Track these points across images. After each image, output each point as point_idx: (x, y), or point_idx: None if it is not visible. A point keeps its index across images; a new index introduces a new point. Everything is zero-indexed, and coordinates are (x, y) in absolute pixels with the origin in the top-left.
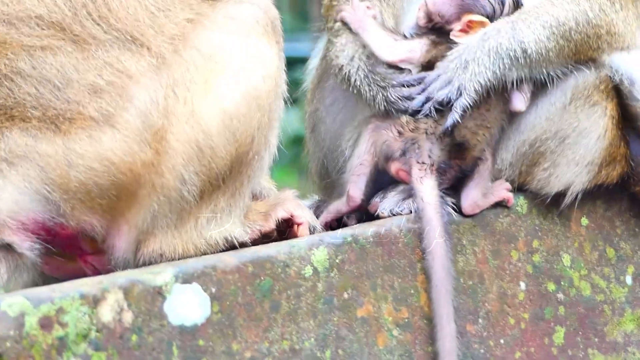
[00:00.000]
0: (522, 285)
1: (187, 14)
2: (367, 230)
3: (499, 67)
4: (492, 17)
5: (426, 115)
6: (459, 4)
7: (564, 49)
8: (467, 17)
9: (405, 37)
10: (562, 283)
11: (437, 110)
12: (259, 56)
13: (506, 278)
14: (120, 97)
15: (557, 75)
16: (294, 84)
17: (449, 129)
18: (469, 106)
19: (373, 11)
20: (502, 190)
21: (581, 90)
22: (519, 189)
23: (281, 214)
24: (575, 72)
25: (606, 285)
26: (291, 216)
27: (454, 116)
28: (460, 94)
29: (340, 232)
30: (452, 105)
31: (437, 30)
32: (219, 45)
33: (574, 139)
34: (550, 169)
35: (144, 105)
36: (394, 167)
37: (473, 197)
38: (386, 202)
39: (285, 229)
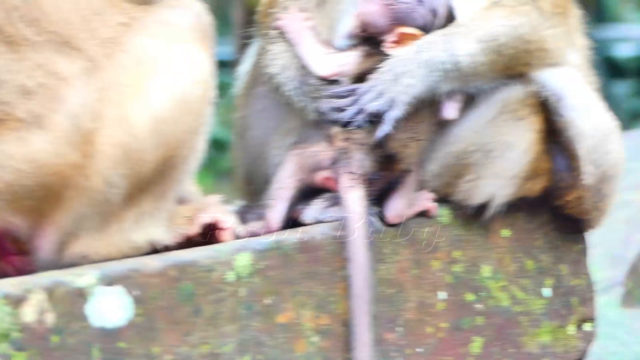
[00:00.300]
0: (442, 294)
1: (120, 18)
2: (291, 237)
3: (431, 80)
4: (424, 29)
5: (358, 127)
6: (392, 16)
7: (496, 64)
8: (399, 29)
9: (338, 49)
10: (481, 293)
11: (368, 122)
12: (190, 61)
13: (426, 287)
14: (51, 99)
15: (487, 89)
16: None
17: (380, 140)
18: (400, 118)
19: (310, 22)
20: (425, 201)
21: (509, 104)
22: (443, 199)
23: (206, 218)
24: (504, 86)
25: (524, 297)
26: (216, 221)
27: (385, 128)
28: (392, 106)
29: (264, 238)
30: (384, 117)
31: (370, 41)
32: (151, 49)
33: (500, 152)
34: (475, 181)
35: (74, 108)
36: (321, 176)
37: (398, 207)
38: (310, 210)
39: (210, 234)
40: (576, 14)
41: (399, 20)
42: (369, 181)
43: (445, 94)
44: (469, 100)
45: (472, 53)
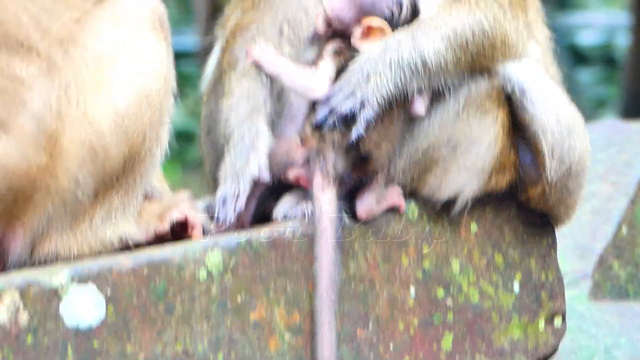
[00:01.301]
0: (412, 290)
1: (72, 13)
2: (261, 234)
3: (401, 79)
4: (391, 21)
5: (330, 128)
6: (358, 8)
7: (461, 60)
8: (366, 22)
9: (316, 63)
10: (451, 289)
11: (341, 122)
12: (148, 54)
13: (396, 283)
14: (13, 102)
15: (453, 84)
16: (179, 78)
17: (354, 142)
18: (372, 118)
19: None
20: (394, 196)
21: (474, 98)
22: (411, 195)
23: (175, 215)
24: (469, 81)
25: (494, 292)
26: (185, 218)
27: (358, 129)
28: (364, 107)
29: (234, 236)
30: (356, 118)
31: (338, 37)
32: (107, 44)
33: (466, 147)
34: (442, 176)
35: (37, 110)
36: (294, 174)
37: (368, 203)
38: (280, 207)
39: (180, 231)
40: (536, 4)
41: (365, 11)
42: (340, 181)
43: (414, 92)
44: (435, 96)
45: (440, 51)
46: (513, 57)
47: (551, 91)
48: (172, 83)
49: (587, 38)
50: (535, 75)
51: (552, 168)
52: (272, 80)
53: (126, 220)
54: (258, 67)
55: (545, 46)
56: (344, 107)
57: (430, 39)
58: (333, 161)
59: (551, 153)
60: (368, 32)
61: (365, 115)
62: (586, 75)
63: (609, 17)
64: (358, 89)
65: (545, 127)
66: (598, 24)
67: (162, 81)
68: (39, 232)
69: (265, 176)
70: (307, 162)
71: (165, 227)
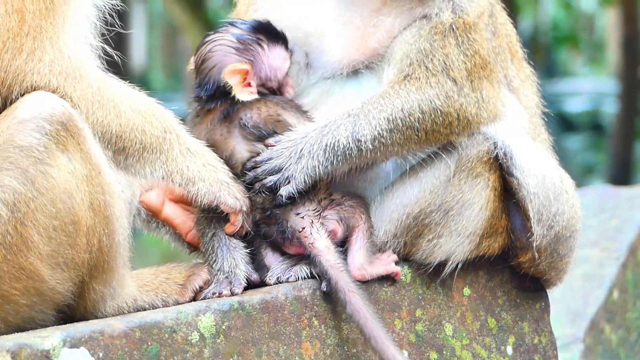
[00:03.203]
0: (405, 353)
1: None
2: (253, 297)
3: (332, 163)
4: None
5: (255, 193)
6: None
7: (412, 138)
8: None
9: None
10: (444, 352)
11: (265, 191)
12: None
13: None
14: None
15: (427, 155)
16: None
17: (271, 213)
18: (294, 194)
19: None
20: (390, 264)
21: (465, 163)
22: (403, 259)
23: (198, 283)
24: (458, 146)
25: (487, 355)
26: (205, 283)
27: (279, 200)
28: (288, 182)
29: (226, 299)
30: (279, 190)
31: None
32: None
33: (457, 211)
34: (434, 240)
35: None
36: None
37: (359, 260)
38: (273, 271)
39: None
40: (525, 72)
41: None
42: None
43: (344, 172)
44: (425, 161)
45: (381, 134)
46: (488, 122)
47: (537, 156)
48: (99, 185)
49: (575, 105)
50: (521, 140)
51: (539, 234)
52: None
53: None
54: None
55: (533, 112)
56: (269, 180)
57: (373, 123)
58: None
59: (539, 218)
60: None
61: (288, 190)
62: (574, 142)
63: (597, 85)
64: (287, 166)
65: (530, 192)
66: (585, 91)
67: (84, 198)
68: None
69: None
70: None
71: (187, 297)
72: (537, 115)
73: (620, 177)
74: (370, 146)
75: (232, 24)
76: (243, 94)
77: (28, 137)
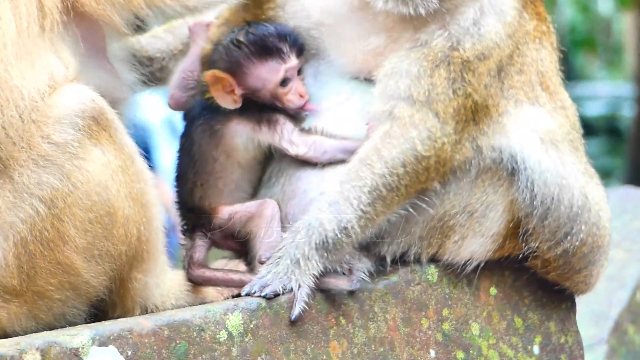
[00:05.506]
0: (432, 353)
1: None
2: (281, 296)
3: (328, 258)
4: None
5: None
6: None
7: (393, 200)
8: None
9: None
10: (470, 352)
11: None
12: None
13: (416, 346)
14: None
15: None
16: None
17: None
18: (310, 293)
19: None
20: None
21: (488, 165)
22: (430, 260)
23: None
24: (482, 149)
25: (514, 355)
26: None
27: (300, 305)
28: (300, 287)
29: (254, 298)
30: (295, 295)
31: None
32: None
33: (482, 212)
34: (459, 242)
35: None
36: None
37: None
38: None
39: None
40: (556, 103)
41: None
42: None
43: (347, 253)
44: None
45: (363, 212)
46: (448, 169)
47: (559, 169)
48: (134, 174)
49: (592, 109)
50: (539, 159)
51: (545, 247)
52: None
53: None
54: None
55: (568, 117)
56: (279, 287)
57: (355, 204)
58: None
59: (546, 234)
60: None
61: (305, 292)
62: (592, 146)
63: (614, 89)
64: (292, 275)
65: (539, 210)
66: (602, 94)
67: (116, 188)
68: None
69: None
70: None
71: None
72: (571, 120)
73: (638, 181)
74: (357, 228)
75: (235, 30)
76: (225, 102)
77: (63, 134)
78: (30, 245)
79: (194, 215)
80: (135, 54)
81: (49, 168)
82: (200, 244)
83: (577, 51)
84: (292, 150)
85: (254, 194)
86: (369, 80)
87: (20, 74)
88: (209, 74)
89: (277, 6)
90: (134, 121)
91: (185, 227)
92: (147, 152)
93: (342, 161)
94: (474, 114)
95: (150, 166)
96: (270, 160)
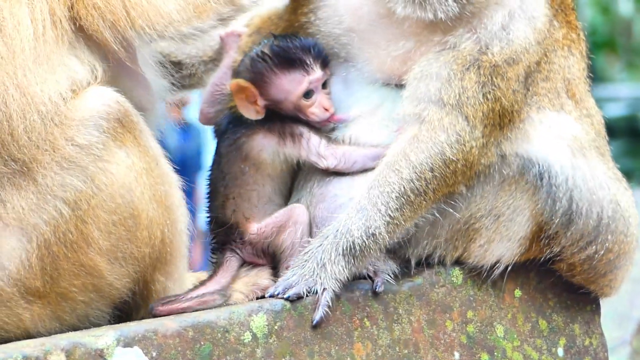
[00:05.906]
0: (457, 355)
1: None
2: (305, 298)
3: (355, 264)
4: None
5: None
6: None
7: (421, 205)
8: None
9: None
10: (495, 354)
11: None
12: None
13: (441, 347)
14: None
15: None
16: None
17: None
18: (334, 298)
19: None
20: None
21: (516, 170)
22: (455, 262)
23: (259, 293)
24: (506, 154)
25: (538, 357)
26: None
27: (323, 310)
28: (325, 290)
29: (279, 300)
30: (318, 298)
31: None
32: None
33: (508, 216)
34: (485, 245)
35: None
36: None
37: None
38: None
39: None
40: (583, 86)
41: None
42: None
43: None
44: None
45: (391, 218)
46: (473, 173)
47: (585, 183)
48: (159, 176)
49: (613, 110)
50: (566, 166)
51: (569, 252)
52: None
53: None
54: None
55: (598, 129)
56: (303, 289)
57: (383, 210)
58: None
59: (574, 242)
60: (246, 95)
61: (328, 296)
62: (612, 147)
63: (634, 90)
64: (317, 278)
65: (579, 216)
66: (623, 96)
67: (140, 189)
68: None
69: None
70: None
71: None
72: (597, 126)
73: None
74: (385, 234)
75: (263, 42)
76: (248, 112)
77: (87, 136)
78: (54, 246)
79: (225, 231)
80: (166, 59)
81: (73, 170)
82: (231, 261)
83: (598, 53)
84: (322, 164)
85: (284, 204)
86: (399, 87)
87: (41, 79)
88: (233, 82)
89: (309, 11)
90: (163, 126)
91: (215, 245)
92: (199, 155)
93: (373, 168)
94: (500, 119)
95: (202, 168)
96: (301, 169)
